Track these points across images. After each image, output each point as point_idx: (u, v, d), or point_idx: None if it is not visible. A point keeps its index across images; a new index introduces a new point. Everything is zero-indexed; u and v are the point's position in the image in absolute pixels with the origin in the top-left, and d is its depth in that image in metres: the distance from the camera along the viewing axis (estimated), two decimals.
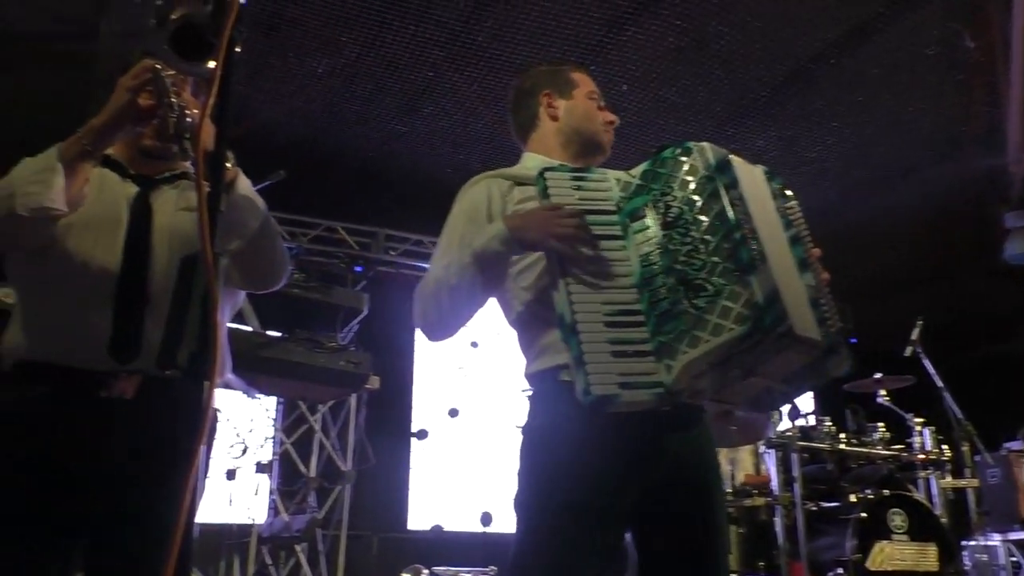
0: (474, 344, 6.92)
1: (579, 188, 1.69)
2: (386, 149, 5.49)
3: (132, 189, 1.90)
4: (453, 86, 4.79)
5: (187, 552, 1.10)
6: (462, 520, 6.46)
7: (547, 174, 1.70)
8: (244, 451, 4.92)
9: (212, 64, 1.21)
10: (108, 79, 1.80)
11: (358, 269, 6.02)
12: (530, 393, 1.83)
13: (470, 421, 6.81)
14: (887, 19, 4.21)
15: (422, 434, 6.40)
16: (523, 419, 1.81)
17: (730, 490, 4.47)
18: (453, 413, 6.54)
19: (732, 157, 1.65)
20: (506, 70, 4.55)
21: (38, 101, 4.49)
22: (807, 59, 4.52)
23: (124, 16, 4.06)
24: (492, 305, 1.91)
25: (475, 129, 5.21)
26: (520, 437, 1.81)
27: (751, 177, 1.70)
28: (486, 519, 6.06)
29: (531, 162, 1.96)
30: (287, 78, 4.68)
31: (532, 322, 1.79)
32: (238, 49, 1.22)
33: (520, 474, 1.76)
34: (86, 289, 1.78)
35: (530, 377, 1.82)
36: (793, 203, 1.78)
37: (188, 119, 1.69)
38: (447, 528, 6.39)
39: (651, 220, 1.64)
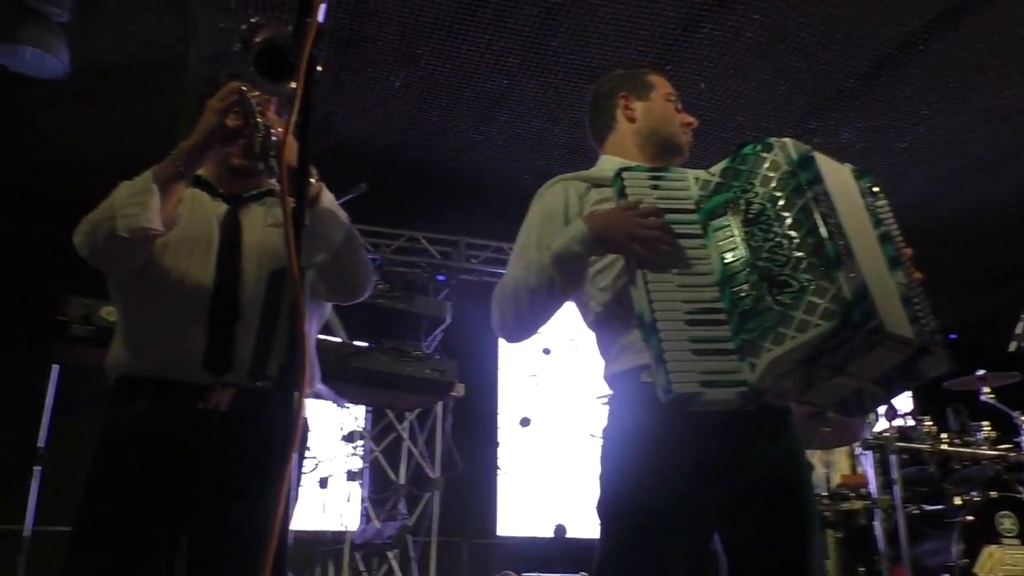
0: (546, 351, 6.91)
1: (657, 187, 1.67)
2: (464, 158, 5.55)
3: (222, 207, 1.97)
4: (528, 93, 4.81)
5: (282, 559, 1.12)
6: (549, 527, 6.45)
7: (624, 174, 1.68)
8: (315, 467, 5.03)
9: (294, 83, 1.25)
10: (197, 102, 1.87)
11: (441, 278, 6.09)
12: (608, 397, 1.81)
13: (553, 427, 6.80)
14: (978, 1, 4.03)
15: (525, 421, 6.41)
16: (601, 423, 1.80)
17: (825, 493, 4.34)
18: (525, 422, 6.54)
19: (816, 153, 1.61)
20: (581, 74, 4.54)
21: (132, 127, 4.71)
22: (894, 47, 4.36)
23: (210, 41, 4.22)
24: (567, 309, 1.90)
25: (552, 134, 5.22)
26: (599, 441, 1.79)
27: (837, 174, 1.65)
28: (560, 531, 6.05)
29: (608, 164, 1.95)
30: (366, 92, 4.78)
31: (610, 323, 1.78)
32: (319, 68, 1.25)
33: (601, 478, 1.75)
34: (182, 305, 1.85)
35: (609, 379, 1.81)
36: (883, 202, 1.73)
37: (273, 137, 1.75)
38: (529, 534, 6.42)
39: (732, 218, 1.61)
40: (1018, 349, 4.62)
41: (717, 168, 1.69)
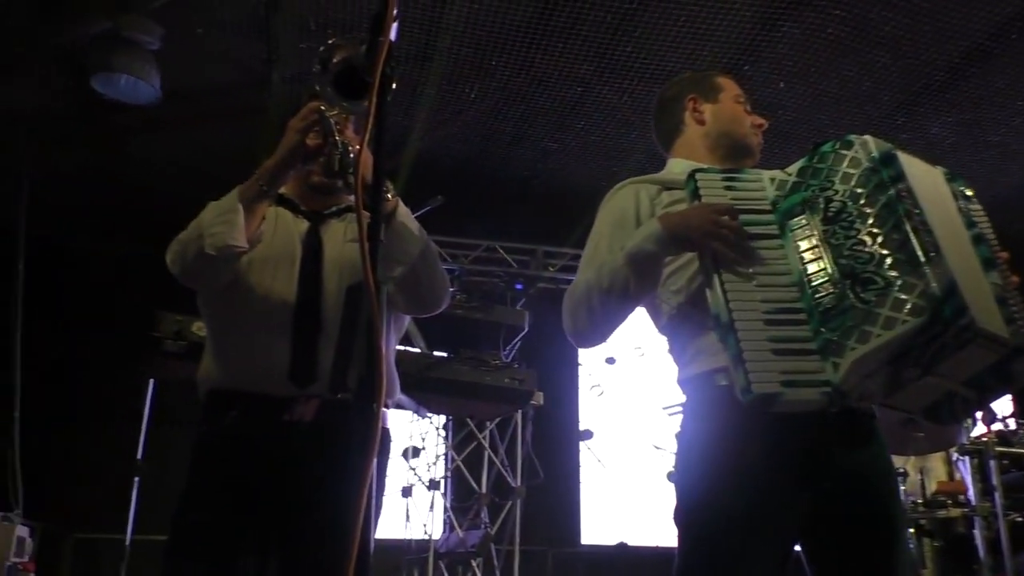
0: (610, 360, 6.84)
1: (731, 188, 1.65)
2: (540, 167, 5.57)
3: (304, 225, 2.02)
4: (603, 99, 4.80)
5: (365, 567, 1.14)
6: (637, 535, 6.39)
7: (698, 175, 1.66)
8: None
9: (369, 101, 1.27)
10: (280, 123, 1.93)
11: (518, 287, 6.11)
12: (682, 404, 1.78)
13: (626, 437, 6.73)
14: None
15: (587, 434, 6.38)
16: (673, 430, 1.77)
17: (921, 500, 4.18)
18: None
19: (899, 151, 1.57)
20: (655, 79, 4.50)
21: (220, 149, 4.89)
22: (985, 36, 4.18)
23: (292, 62, 4.36)
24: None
25: (627, 140, 5.19)
26: (675, 446, 1.76)
27: (924, 173, 1.61)
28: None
29: (678, 167, 1.92)
30: (442, 106, 4.85)
31: (684, 325, 1.75)
32: (394, 85, 1.28)
33: (678, 485, 1.72)
34: (267, 320, 1.90)
35: (683, 383, 1.77)
36: (977, 206, 1.67)
37: (351, 155, 1.79)
38: (623, 542, 6.35)
39: (810, 217, 1.58)
40: None
41: (794, 168, 1.66)
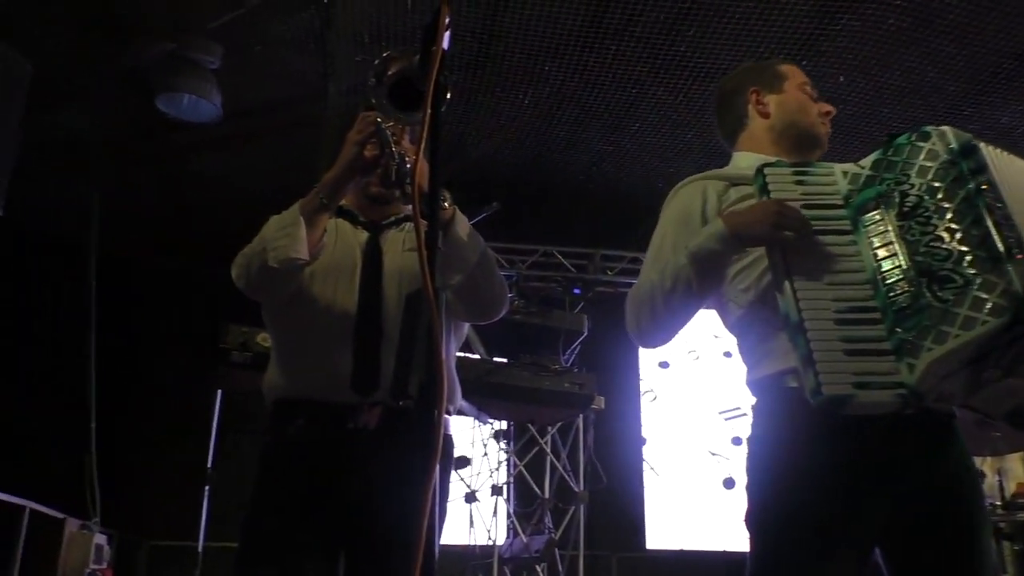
0: (663, 364, 6.76)
1: (802, 183, 1.60)
2: (595, 170, 5.55)
3: (363, 235, 2.05)
4: (658, 100, 4.76)
5: (430, 573, 1.15)
6: (700, 540, 6.31)
7: (767, 170, 1.62)
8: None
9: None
10: (338, 136, 1.96)
11: (576, 291, 6.09)
12: (752, 405, 1.74)
13: (697, 437, 6.65)
14: None
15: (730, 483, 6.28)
16: (748, 432, 1.73)
17: (999, 502, 4.03)
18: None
19: (982, 143, 1.50)
20: (711, 77, 4.45)
21: (280, 163, 4.99)
22: None
23: (348, 75, 4.42)
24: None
25: (684, 140, 5.13)
26: (745, 449, 1.72)
27: (1010, 166, 1.53)
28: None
29: (744, 161, 1.87)
30: (496, 112, 4.86)
31: (753, 325, 1.70)
32: (448, 94, 1.29)
33: (748, 489, 1.67)
34: (330, 329, 1.93)
35: (752, 384, 1.73)
36: None
37: (408, 165, 1.80)
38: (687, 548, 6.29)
39: (885, 212, 1.52)
40: None
41: (867, 161, 1.60)
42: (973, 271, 1.38)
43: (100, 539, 4.41)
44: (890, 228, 1.50)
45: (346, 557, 1.90)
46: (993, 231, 1.38)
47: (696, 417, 6.64)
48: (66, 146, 5.05)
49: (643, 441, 6.41)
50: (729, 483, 6.32)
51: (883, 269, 1.48)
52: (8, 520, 4.01)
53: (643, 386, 6.86)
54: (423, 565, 1.13)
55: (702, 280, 1.67)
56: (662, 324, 1.74)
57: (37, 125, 4.20)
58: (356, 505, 1.85)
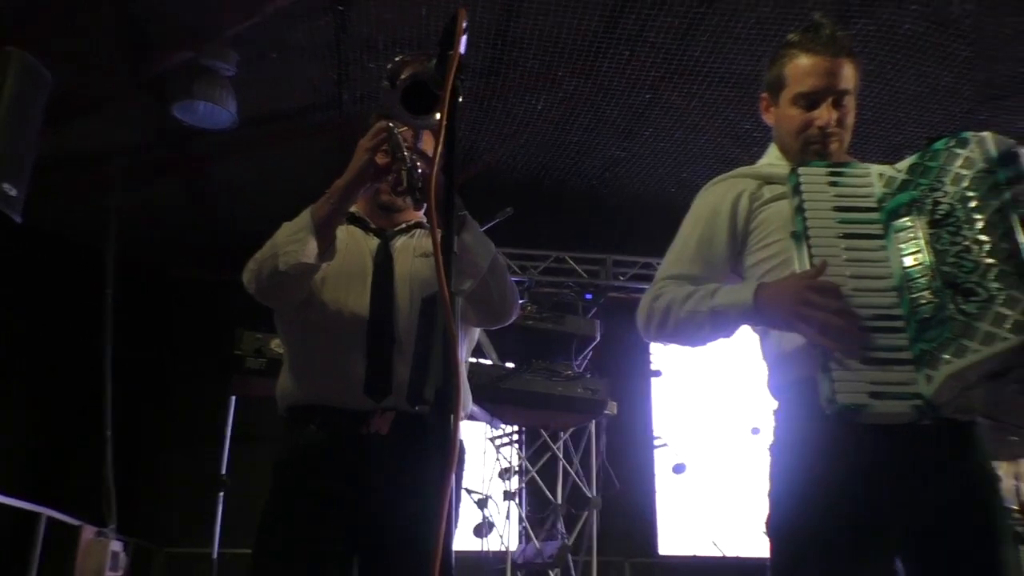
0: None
1: (835, 184, 1.57)
2: (608, 175, 5.54)
3: (374, 242, 2.05)
4: (671, 105, 4.75)
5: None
6: (711, 545, 6.28)
7: (801, 170, 1.59)
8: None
9: (438, 115, 1.28)
10: (350, 142, 1.96)
11: (588, 296, 6.07)
12: (774, 409, 1.73)
13: (712, 443, 6.62)
14: None
15: (679, 468, 6.28)
16: (769, 437, 1.71)
17: (1016, 506, 3.99)
18: (678, 470, 6.37)
19: (1022, 150, 1.46)
20: (724, 82, 4.45)
21: (294, 169, 5.01)
22: None
23: (361, 82, 4.44)
24: None
25: (697, 145, 5.12)
26: (767, 456, 1.70)
27: None
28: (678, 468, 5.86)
29: (775, 156, 1.84)
30: (509, 118, 4.87)
31: (776, 330, 1.68)
32: (460, 99, 1.28)
33: (769, 495, 1.65)
34: (342, 335, 1.93)
35: (774, 389, 1.72)
36: None
37: (420, 170, 1.80)
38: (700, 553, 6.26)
39: (917, 218, 1.49)
40: None
41: (904, 164, 1.57)
42: (998, 285, 1.35)
43: (116, 546, 4.43)
44: (921, 235, 1.47)
45: (360, 563, 1.90)
46: (1023, 245, 1.35)
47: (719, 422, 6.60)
48: (84, 154, 5.09)
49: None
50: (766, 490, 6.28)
51: (910, 277, 1.45)
52: (25, 527, 4.04)
53: (669, 391, 6.84)
54: (440, 570, 1.13)
55: (713, 333, 1.66)
56: (668, 339, 1.74)
57: (57, 133, 4.24)
58: (370, 511, 1.85)
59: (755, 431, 6.09)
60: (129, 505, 4.67)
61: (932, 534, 1.54)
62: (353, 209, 2.03)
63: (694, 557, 6.44)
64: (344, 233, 2.00)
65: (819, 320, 1.43)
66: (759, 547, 5.96)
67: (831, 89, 1.74)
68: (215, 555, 4.26)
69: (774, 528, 1.63)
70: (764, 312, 1.55)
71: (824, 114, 1.73)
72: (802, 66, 1.76)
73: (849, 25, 4.03)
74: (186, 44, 4.11)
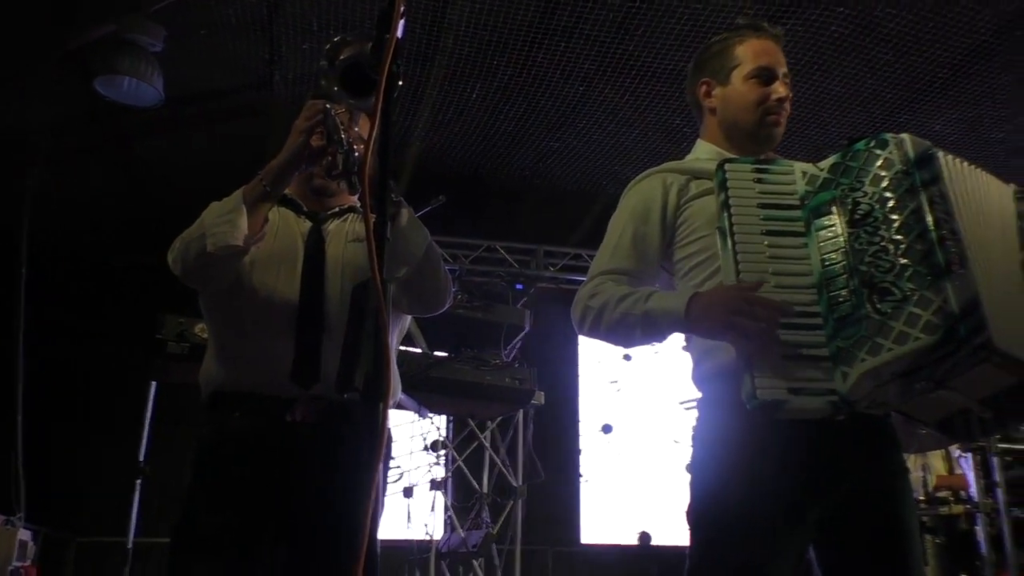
0: (627, 357, 6.82)
1: (760, 181, 1.59)
2: (541, 166, 5.56)
3: (306, 225, 2.01)
4: (605, 98, 4.79)
5: (374, 567, 1.13)
6: (633, 534, 6.39)
7: (727, 166, 1.60)
8: (400, 476, 5.09)
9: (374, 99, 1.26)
10: (284, 124, 1.92)
11: (519, 287, 6.10)
12: (696, 400, 1.76)
13: (635, 433, 6.72)
14: None
15: (607, 428, 6.38)
16: (689, 428, 1.75)
17: (922, 497, 4.17)
18: (607, 429, 6.48)
19: (941, 153, 1.49)
20: (658, 77, 4.50)
21: (223, 150, 4.88)
22: (988, 33, 4.17)
23: (294, 63, 4.34)
24: None
25: (629, 139, 5.18)
26: (686, 446, 1.74)
27: (968, 178, 1.53)
28: (644, 539, 5.97)
29: (704, 152, 1.86)
30: (444, 106, 4.84)
31: (705, 338, 1.69)
32: (400, 83, 1.27)
33: (691, 484, 1.69)
34: (270, 320, 1.89)
35: (697, 380, 1.75)
36: None
37: (356, 154, 1.78)
38: (613, 542, 6.36)
39: (837, 217, 1.51)
40: None
41: (827, 163, 1.59)
42: (912, 286, 1.38)
43: (24, 535, 4.27)
44: (840, 234, 1.49)
45: (285, 553, 1.87)
46: (937, 246, 1.38)
47: (659, 407, 6.70)
48: (2, 129, 4.86)
49: (609, 429, 6.45)
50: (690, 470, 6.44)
51: (829, 275, 1.48)
52: None
53: (607, 376, 6.91)
54: (366, 560, 1.12)
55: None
56: (600, 337, 1.76)
57: None
58: (295, 500, 1.82)
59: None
60: (41, 493, 4.49)
61: (845, 524, 1.59)
62: (286, 191, 1.98)
63: (615, 546, 6.54)
64: (275, 215, 1.96)
65: (752, 334, 1.45)
66: (680, 536, 6.12)
67: (780, 68, 1.83)
68: (130, 545, 4.14)
69: (694, 516, 1.66)
70: (696, 322, 1.56)
71: (781, 88, 1.81)
72: (757, 45, 1.83)
73: (779, 24, 4.12)
74: (110, 16, 3.95)
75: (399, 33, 1.25)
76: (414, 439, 5.34)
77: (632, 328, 1.66)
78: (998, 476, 3.82)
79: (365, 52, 1.33)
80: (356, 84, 1.38)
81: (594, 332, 1.75)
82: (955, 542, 4.06)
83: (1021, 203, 1.60)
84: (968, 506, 4.00)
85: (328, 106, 1.78)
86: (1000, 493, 3.78)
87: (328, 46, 1.39)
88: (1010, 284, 1.48)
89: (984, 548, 3.85)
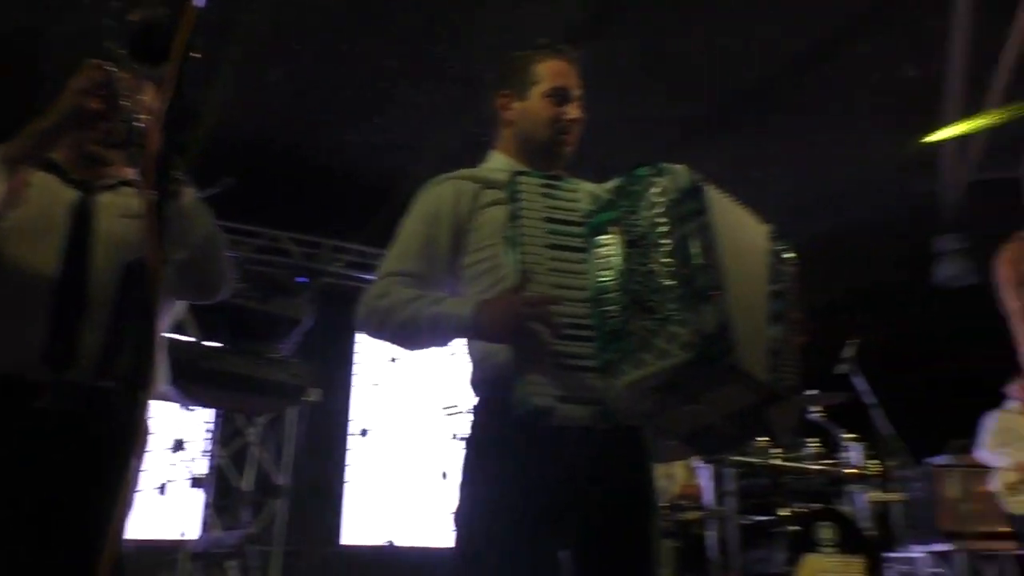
0: (393, 359, 6.86)
1: (549, 196, 1.66)
2: (336, 158, 5.45)
3: (72, 194, 1.84)
4: (407, 97, 4.78)
5: (120, 567, 1.07)
6: (405, 534, 6.41)
7: (520, 179, 1.66)
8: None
9: (166, 67, 1.18)
10: (55, 81, 1.74)
11: (301, 280, 5.92)
12: (472, 405, 1.81)
13: (400, 435, 6.74)
14: (832, 46, 4.35)
15: (364, 432, 6.34)
16: (465, 430, 1.80)
17: (665, 503, 4.50)
18: (364, 433, 6.50)
19: (710, 188, 1.63)
20: (461, 82, 4.56)
21: None
22: (757, 81, 4.62)
23: (73, 17, 3.96)
24: None
25: (427, 140, 5.19)
26: (463, 449, 1.78)
27: (731, 211, 1.68)
28: (389, 546, 6.05)
29: (497, 163, 1.92)
30: (240, 86, 4.61)
31: (489, 343, 1.74)
32: (197, 55, 1.20)
33: (461, 486, 1.74)
34: (21, 295, 1.73)
35: (474, 385, 1.80)
36: (790, 269, 1.78)
37: (139, 124, 1.65)
38: (391, 541, 6.34)
39: (616, 237, 1.61)
40: (847, 372, 5.02)
41: (611, 185, 1.69)
42: (674, 306, 1.50)
43: None
44: (617, 253, 1.60)
45: (29, 549, 1.70)
46: (698, 272, 1.51)
47: (421, 410, 6.72)
48: None
49: (366, 434, 6.40)
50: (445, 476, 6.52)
51: (603, 291, 1.58)
52: None
53: (371, 378, 6.83)
54: (111, 559, 1.05)
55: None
56: (387, 340, 1.77)
57: None
58: (40, 493, 1.67)
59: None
60: None
61: (597, 527, 1.69)
62: (51, 155, 1.81)
63: (377, 547, 6.52)
64: (36, 181, 1.78)
65: (531, 342, 1.52)
66: (441, 538, 6.22)
67: (575, 91, 1.93)
68: None
69: (458, 517, 1.71)
70: (481, 328, 1.61)
71: (574, 110, 1.91)
72: (555, 66, 1.93)
73: (575, 47, 4.33)
74: None
75: (200, 1, 1.18)
76: (167, 433, 5.04)
77: (418, 331, 1.69)
78: (730, 486, 4.20)
79: (158, 16, 1.25)
80: (146, 49, 1.28)
81: (380, 333, 1.75)
82: (689, 545, 4.40)
83: (773, 242, 1.78)
84: (702, 513, 4.37)
85: (112, 69, 1.65)
86: (730, 501, 4.16)
87: (116, 3, 1.28)
88: (756, 314, 1.65)
89: (713, 551, 4.22)
